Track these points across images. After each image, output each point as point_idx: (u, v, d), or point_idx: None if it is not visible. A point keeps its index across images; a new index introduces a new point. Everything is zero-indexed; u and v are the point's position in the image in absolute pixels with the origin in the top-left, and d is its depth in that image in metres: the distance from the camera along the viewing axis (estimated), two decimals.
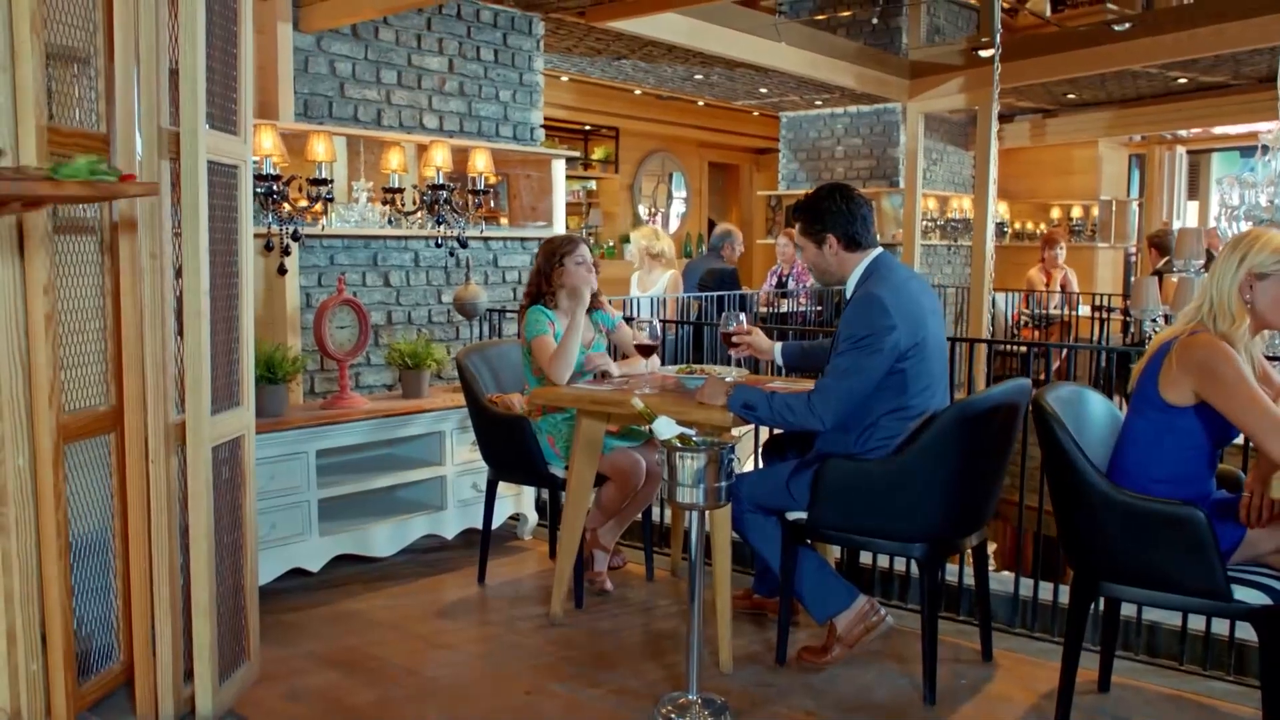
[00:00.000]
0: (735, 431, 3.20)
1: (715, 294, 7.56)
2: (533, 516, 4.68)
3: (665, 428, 2.74)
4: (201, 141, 2.40)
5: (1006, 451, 3.14)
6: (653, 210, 12.34)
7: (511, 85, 5.32)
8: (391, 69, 4.78)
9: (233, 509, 2.73)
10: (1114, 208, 11.03)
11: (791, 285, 8.32)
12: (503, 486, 4.18)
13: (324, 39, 4.48)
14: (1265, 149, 4.50)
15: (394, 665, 3.27)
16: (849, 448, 3.05)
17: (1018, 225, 11.69)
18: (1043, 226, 11.37)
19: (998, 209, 10.97)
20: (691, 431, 2.78)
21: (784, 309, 8.07)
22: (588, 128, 11.09)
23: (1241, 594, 2.45)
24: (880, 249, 3.13)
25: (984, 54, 6.53)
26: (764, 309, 8.10)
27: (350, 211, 4.75)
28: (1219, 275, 2.55)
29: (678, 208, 12.79)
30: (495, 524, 4.23)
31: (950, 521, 3.00)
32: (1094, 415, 2.91)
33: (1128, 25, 6.53)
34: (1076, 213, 11.26)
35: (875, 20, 8.07)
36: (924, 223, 9.68)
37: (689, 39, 6.31)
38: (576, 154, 9.90)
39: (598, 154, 11.40)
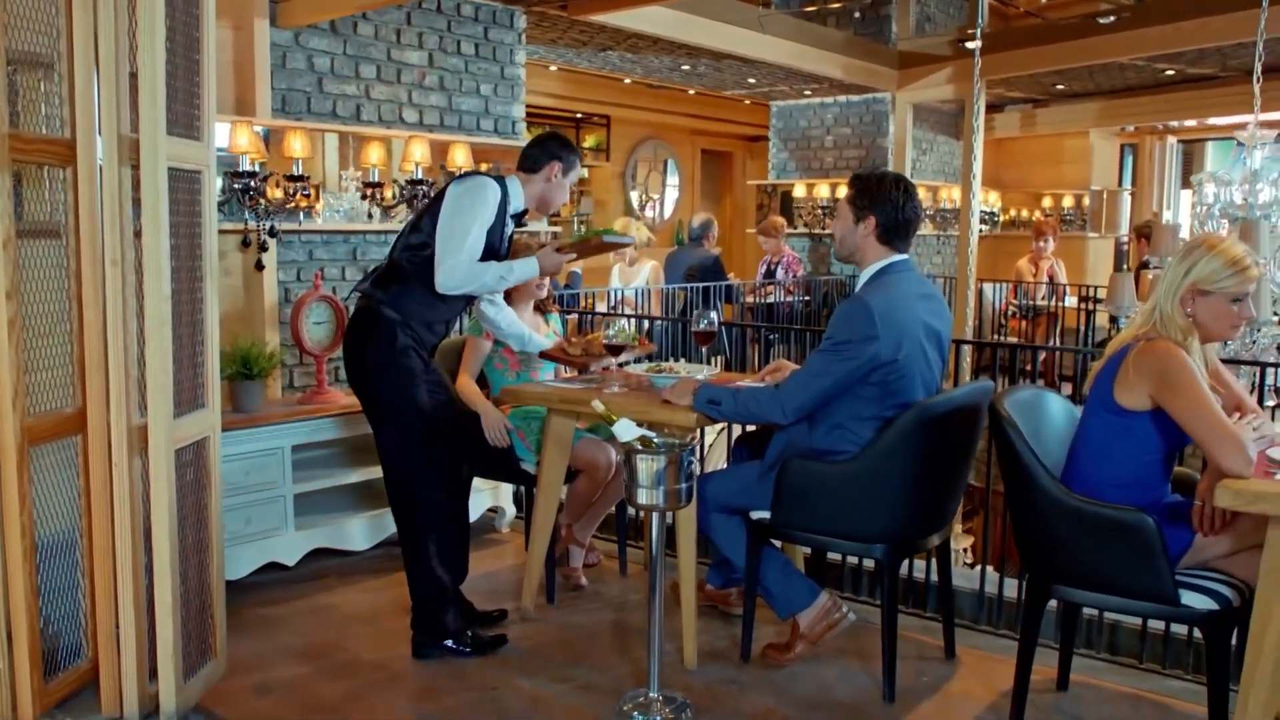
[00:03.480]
0: (710, 435, 3.23)
1: (701, 284, 7.59)
2: (510, 509, 4.72)
3: (626, 430, 2.77)
4: (161, 149, 2.42)
5: (969, 452, 3.16)
6: (645, 198, 12.35)
7: (493, 79, 5.32)
8: (370, 64, 4.78)
9: (198, 509, 2.76)
10: (1105, 197, 11.03)
11: (780, 275, 8.34)
12: (479, 480, 4.21)
13: (302, 34, 4.49)
14: (1241, 146, 4.51)
15: (364, 659, 3.32)
16: (813, 443, 3.06)
17: (1013, 212, 11.67)
18: (1037, 214, 11.38)
19: (989, 198, 10.98)
20: (652, 434, 2.81)
21: (770, 299, 8.09)
22: (579, 116, 11.08)
23: (1189, 599, 2.49)
24: (904, 255, 3.06)
25: (969, 45, 6.51)
26: (750, 299, 8.12)
27: (340, 201, 4.78)
28: (1166, 285, 2.57)
29: (671, 195, 12.79)
30: (473, 517, 4.27)
31: (910, 523, 3.03)
32: (1053, 418, 2.94)
33: (1112, 19, 6.53)
34: (1068, 202, 11.27)
35: (857, 14, 8.06)
36: None
37: (673, 31, 6.31)
38: None
39: (589, 142, 11.39)
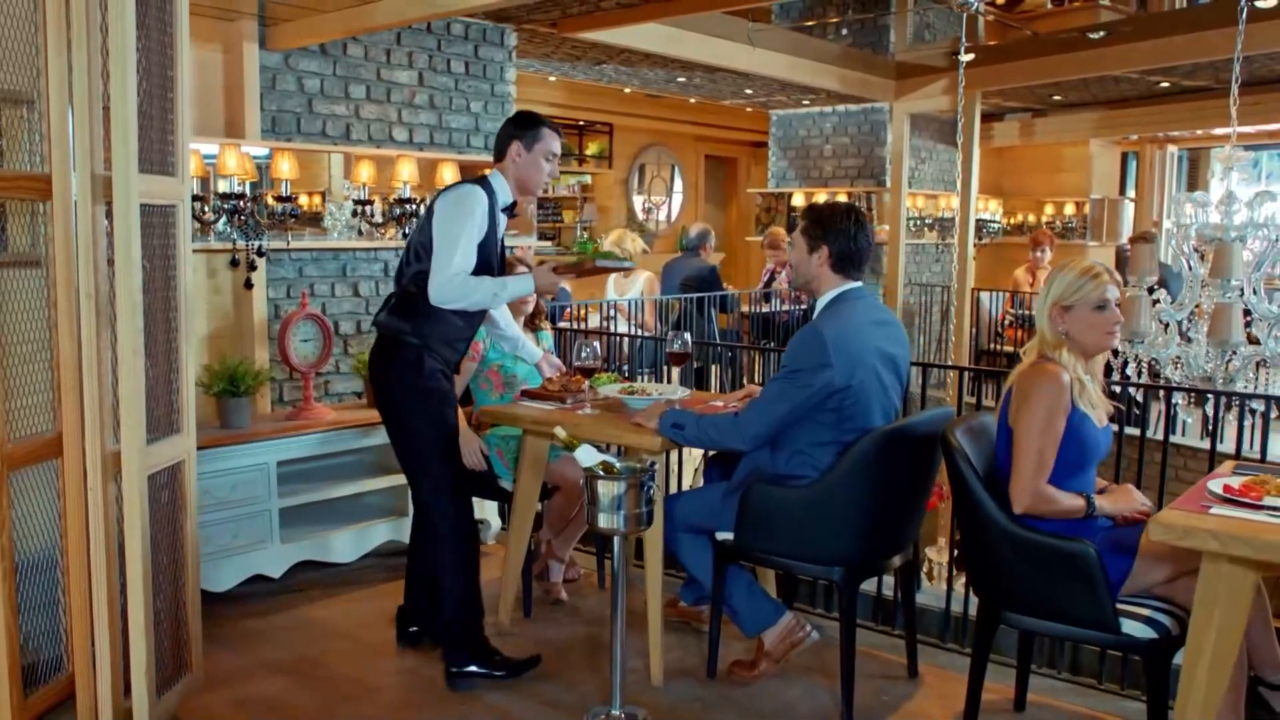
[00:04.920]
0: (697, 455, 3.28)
1: (697, 295, 7.66)
2: (496, 522, 4.80)
3: (587, 456, 2.85)
4: (133, 188, 2.52)
5: (928, 477, 3.22)
6: (647, 206, 12.42)
7: (483, 96, 5.41)
8: (360, 84, 4.87)
9: (172, 531, 2.86)
10: (1106, 206, 11.04)
11: (782, 284, 8.37)
12: None
13: (291, 57, 4.58)
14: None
15: (341, 673, 3.41)
16: (776, 468, 3.13)
17: (1019, 217, 11.66)
18: (1041, 220, 11.39)
19: (989, 206, 11.00)
20: (614, 459, 2.89)
21: (767, 310, 8.15)
22: (581, 123, 11.17)
23: (1129, 627, 2.55)
24: (859, 283, 3.13)
25: (963, 59, 6.56)
26: (746, 308, 8.18)
27: (342, 211, 4.86)
28: (1038, 310, 2.77)
29: (676, 201, 12.87)
30: None
31: (868, 546, 3.09)
32: None
33: (1103, 34, 6.55)
34: (1070, 210, 11.27)
35: (844, 31, 8.11)
36: (914, 221, 9.74)
37: (665, 46, 6.37)
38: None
39: (592, 149, 11.47)
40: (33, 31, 2.63)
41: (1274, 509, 2.35)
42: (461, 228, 3.13)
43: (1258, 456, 3.42)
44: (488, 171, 3.34)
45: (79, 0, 2.54)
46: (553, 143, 3.33)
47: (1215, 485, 2.49)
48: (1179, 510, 2.35)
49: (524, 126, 3.31)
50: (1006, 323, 8.82)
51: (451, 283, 3.09)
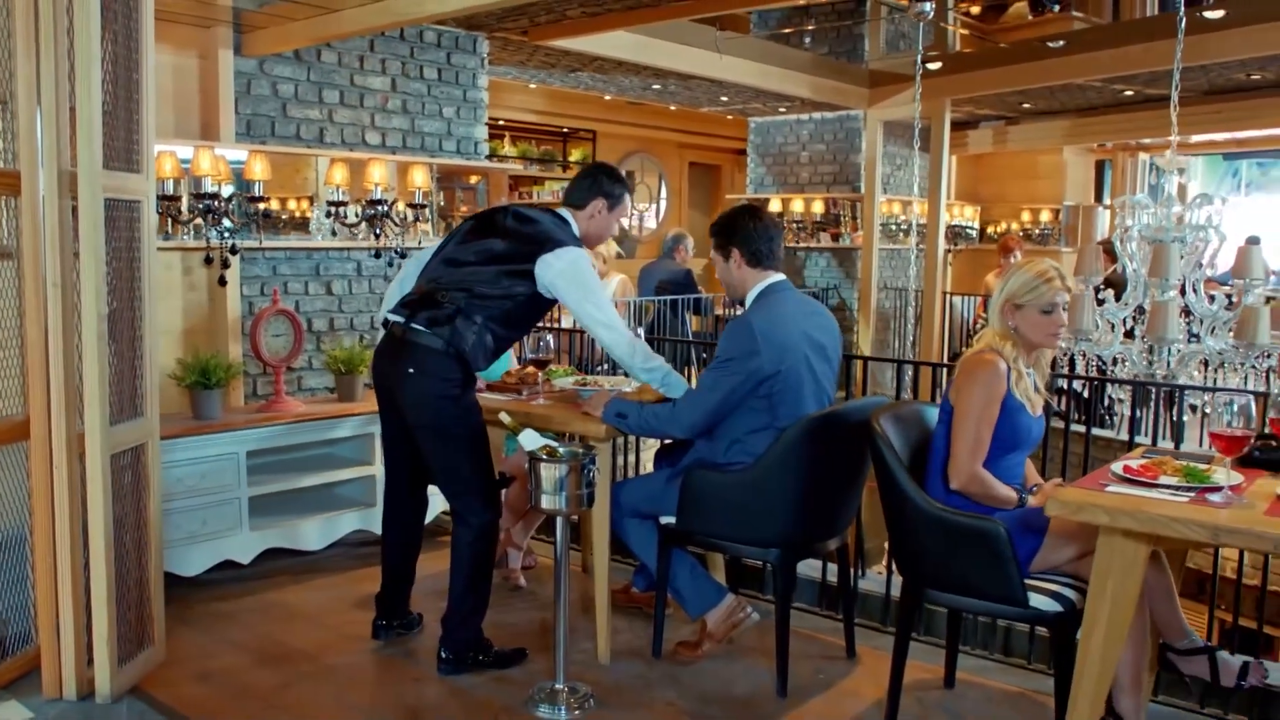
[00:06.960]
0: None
1: (671, 297, 7.83)
2: None
3: (530, 440, 3.01)
4: (97, 184, 2.68)
5: (862, 463, 3.37)
6: (631, 211, 12.57)
7: (455, 102, 5.57)
8: (334, 89, 5.03)
9: (136, 510, 3.01)
10: (1080, 212, 11.21)
11: None
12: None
13: (266, 62, 4.74)
14: (1160, 171, 4.72)
15: (302, 652, 3.54)
16: (716, 457, 3.29)
17: (1002, 225, 11.80)
18: (1014, 226, 11.56)
19: (965, 212, 11.18)
20: (556, 443, 3.05)
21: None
22: (565, 130, 11.33)
23: (1037, 601, 2.70)
24: (781, 276, 3.30)
25: (931, 66, 6.73)
26: (720, 311, 8.35)
27: (320, 210, 5.03)
28: (992, 301, 2.91)
29: (661, 207, 13.05)
30: (428, 519, 4.49)
31: (803, 529, 3.24)
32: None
33: (1062, 43, 6.74)
34: (1045, 217, 11.45)
35: (808, 41, 8.29)
36: (890, 226, 9.91)
37: (635, 54, 6.53)
38: (519, 169, 10.26)
39: (575, 155, 11.64)
40: (5, 37, 2.78)
41: (1167, 487, 2.50)
42: (601, 292, 3.27)
43: (1172, 446, 3.58)
44: (560, 209, 3.36)
45: (47, 8, 2.69)
46: (628, 205, 3.43)
47: (1117, 467, 2.65)
48: (1075, 488, 2.50)
49: (615, 184, 3.36)
50: (979, 326, 9.00)
51: (637, 349, 3.28)
